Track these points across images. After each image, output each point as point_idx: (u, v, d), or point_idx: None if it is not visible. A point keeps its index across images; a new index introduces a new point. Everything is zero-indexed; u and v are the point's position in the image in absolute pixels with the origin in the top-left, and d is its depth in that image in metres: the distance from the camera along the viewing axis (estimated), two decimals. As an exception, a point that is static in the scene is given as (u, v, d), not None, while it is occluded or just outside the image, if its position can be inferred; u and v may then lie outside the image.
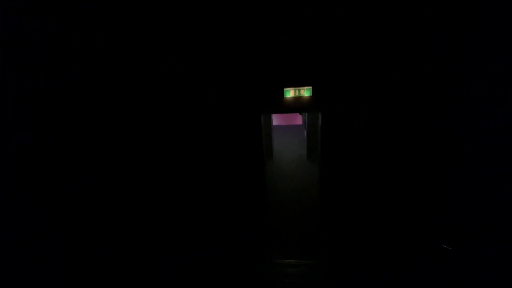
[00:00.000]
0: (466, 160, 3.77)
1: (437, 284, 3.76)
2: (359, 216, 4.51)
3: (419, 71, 3.63)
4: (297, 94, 3.67)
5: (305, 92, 3.64)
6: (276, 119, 11.09)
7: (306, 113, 7.27)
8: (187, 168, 4.52)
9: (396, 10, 3.55)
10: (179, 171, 4.52)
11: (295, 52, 3.71)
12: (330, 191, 4.40)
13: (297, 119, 10.83)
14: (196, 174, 4.51)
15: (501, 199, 3.70)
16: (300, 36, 3.64)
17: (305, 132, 8.70)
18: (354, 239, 4.63)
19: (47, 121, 2.97)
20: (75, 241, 2.98)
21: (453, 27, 3.53)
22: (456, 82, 3.61)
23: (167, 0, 3.71)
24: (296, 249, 4.66)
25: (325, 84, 3.73)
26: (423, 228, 4.19)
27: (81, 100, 3.66)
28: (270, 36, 3.68)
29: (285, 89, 3.70)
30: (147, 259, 4.33)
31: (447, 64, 3.61)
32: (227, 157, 4.36)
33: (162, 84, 4.12)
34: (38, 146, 2.83)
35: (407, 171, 4.03)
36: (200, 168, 4.48)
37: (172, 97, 4.15)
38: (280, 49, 3.72)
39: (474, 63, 3.54)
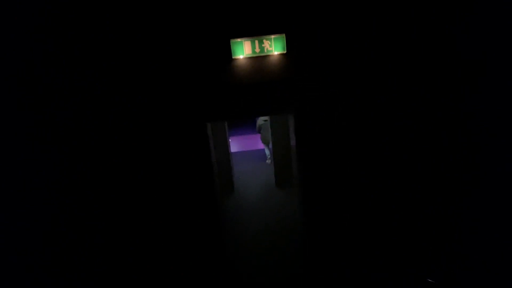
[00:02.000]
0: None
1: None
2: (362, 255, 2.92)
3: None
4: (257, 50, 1.95)
5: (273, 44, 1.94)
6: (235, 145, 9.34)
7: (265, 122, 5.51)
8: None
9: None
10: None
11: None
12: (317, 226, 2.70)
13: (260, 143, 9.22)
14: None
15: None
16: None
17: (267, 152, 6.98)
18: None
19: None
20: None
21: None
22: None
23: None
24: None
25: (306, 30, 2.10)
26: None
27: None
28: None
29: (232, 40, 1.94)
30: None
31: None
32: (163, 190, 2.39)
33: None
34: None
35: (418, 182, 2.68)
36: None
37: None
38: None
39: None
